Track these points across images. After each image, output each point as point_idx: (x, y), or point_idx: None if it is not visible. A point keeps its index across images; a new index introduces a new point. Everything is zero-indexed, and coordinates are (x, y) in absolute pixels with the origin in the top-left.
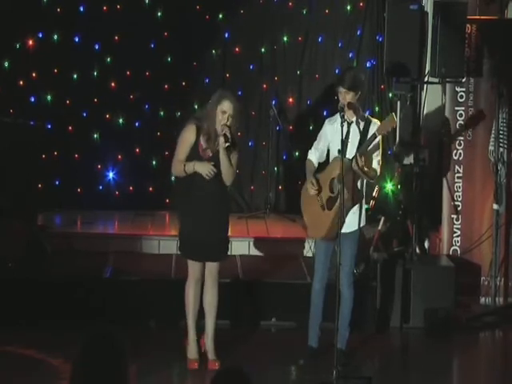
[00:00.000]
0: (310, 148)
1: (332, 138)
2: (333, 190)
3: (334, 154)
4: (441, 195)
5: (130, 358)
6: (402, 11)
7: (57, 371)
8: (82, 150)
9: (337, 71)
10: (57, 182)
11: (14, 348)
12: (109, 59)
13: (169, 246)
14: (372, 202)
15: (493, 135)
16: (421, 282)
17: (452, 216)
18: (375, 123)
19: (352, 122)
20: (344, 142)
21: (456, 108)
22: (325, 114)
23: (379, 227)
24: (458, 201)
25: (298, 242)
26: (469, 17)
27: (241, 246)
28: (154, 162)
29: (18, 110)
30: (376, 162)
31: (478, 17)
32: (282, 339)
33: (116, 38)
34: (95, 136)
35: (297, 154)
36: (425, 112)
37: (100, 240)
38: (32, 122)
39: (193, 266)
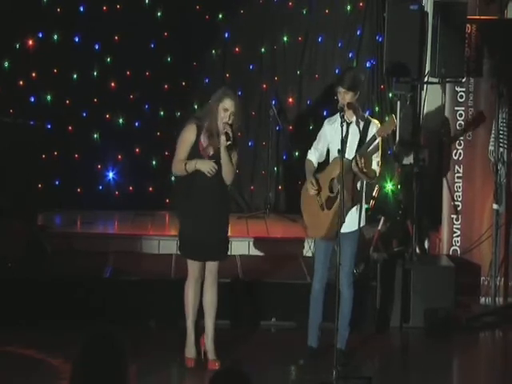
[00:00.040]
0: (310, 148)
1: (331, 138)
2: (332, 190)
3: (333, 153)
4: (441, 195)
5: (130, 358)
6: (402, 11)
7: (57, 371)
8: (81, 150)
9: (337, 71)
10: (57, 182)
11: (14, 348)
12: (109, 59)
13: (169, 245)
14: (372, 202)
15: (493, 135)
16: (421, 282)
17: (452, 216)
18: (374, 123)
19: (351, 122)
20: (343, 142)
21: (456, 108)
22: (325, 114)
23: (379, 227)
24: (457, 201)
25: (298, 241)
26: (469, 17)
27: (241, 246)
28: (153, 162)
29: (18, 110)
30: (375, 162)
31: (477, 17)
32: (281, 339)
33: (116, 38)
34: (95, 136)
35: (297, 154)
36: (425, 112)
37: (100, 240)
38: (32, 122)
39: (192, 266)
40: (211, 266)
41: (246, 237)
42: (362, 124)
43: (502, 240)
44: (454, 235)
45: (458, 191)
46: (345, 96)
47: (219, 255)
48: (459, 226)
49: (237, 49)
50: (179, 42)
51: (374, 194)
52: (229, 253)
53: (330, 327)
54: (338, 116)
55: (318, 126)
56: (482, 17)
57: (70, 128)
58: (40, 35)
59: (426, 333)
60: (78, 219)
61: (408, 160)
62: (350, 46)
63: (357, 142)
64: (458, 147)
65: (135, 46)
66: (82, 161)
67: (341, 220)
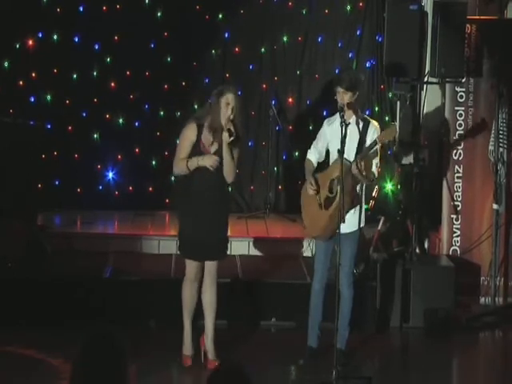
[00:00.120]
0: (310, 148)
1: (331, 138)
2: (332, 191)
3: (333, 153)
4: (441, 195)
5: (130, 358)
6: (402, 11)
7: (57, 371)
8: (81, 150)
9: (337, 71)
10: (57, 182)
11: (14, 348)
12: (109, 59)
13: (169, 245)
14: (372, 202)
15: (493, 135)
16: (421, 282)
17: (452, 216)
18: (373, 125)
19: (349, 123)
20: (343, 143)
21: (456, 108)
22: (324, 114)
23: (379, 227)
24: (457, 201)
25: (298, 241)
26: (468, 17)
27: (240, 246)
28: (153, 162)
29: (18, 110)
30: (374, 164)
31: (477, 17)
32: (281, 339)
33: (116, 37)
34: (95, 136)
35: (296, 154)
36: (424, 112)
37: (100, 240)
38: (32, 122)
39: (190, 266)
40: (210, 266)
41: (246, 237)
42: (361, 124)
43: (501, 240)
44: (454, 235)
45: (457, 191)
46: (343, 96)
47: (218, 255)
48: (459, 226)
49: (237, 49)
50: (179, 42)
51: (373, 194)
52: (228, 253)
53: (330, 327)
54: (337, 116)
55: (318, 126)
56: (481, 17)
57: (69, 128)
58: (40, 35)
59: (426, 333)
60: (78, 219)
61: (408, 160)
62: (349, 46)
63: (356, 143)
64: (458, 147)
65: (135, 46)
66: (81, 161)
67: (340, 220)
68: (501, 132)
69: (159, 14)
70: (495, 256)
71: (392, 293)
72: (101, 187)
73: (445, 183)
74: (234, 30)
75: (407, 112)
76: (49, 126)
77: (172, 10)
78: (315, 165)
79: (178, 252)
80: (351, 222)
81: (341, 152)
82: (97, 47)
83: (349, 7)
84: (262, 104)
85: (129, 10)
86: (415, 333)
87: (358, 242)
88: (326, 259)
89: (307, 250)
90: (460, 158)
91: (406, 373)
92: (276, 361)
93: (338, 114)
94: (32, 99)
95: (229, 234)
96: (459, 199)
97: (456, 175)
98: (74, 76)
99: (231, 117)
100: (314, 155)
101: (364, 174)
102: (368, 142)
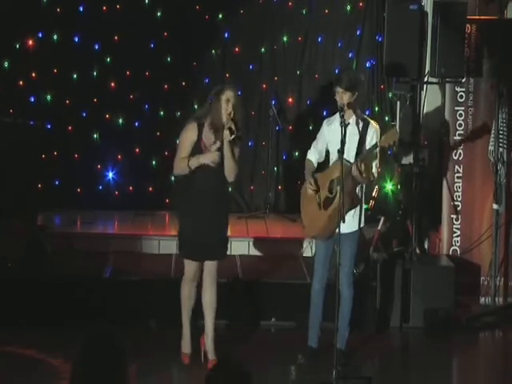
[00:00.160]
0: (310, 148)
1: (330, 138)
2: (331, 191)
3: (332, 154)
4: (441, 195)
5: (130, 358)
6: (402, 11)
7: (57, 371)
8: (81, 150)
9: (337, 71)
10: (57, 182)
11: (14, 348)
12: (109, 59)
13: (169, 245)
14: (372, 202)
15: (493, 135)
16: (421, 282)
17: (452, 216)
18: (373, 125)
19: (349, 123)
20: (343, 143)
21: (456, 108)
22: (324, 114)
23: (379, 227)
24: (457, 201)
25: (298, 242)
26: (468, 17)
27: (240, 246)
28: (153, 162)
29: (18, 110)
30: (374, 165)
31: (477, 17)
32: (281, 339)
33: (116, 38)
34: (95, 136)
35: (296, 154)
36: (424, 112)
37: (100, 240)
38: (32, 122)
39: (189, 266)
40: (210, 266)
41: (246, 237)
42: (361, 124)
43: (501, 240)
44: (454, 235)
45: (457, 191)
46: (343, 96)
47: (218, 255)
48: (459, 226)
49: (237, 49)
50: (179, 42)
51: (373, 194)
52: (228, 253)
53: (330, 327)
54: (336, 116)
55: (318, 126)
56: (481, 17)
57: (69, 128)
58: (40, 35)
59: (426, 333)
60: (78, 219)
61: (408, 160)
62: (349, 45)
63: (356, 143)
64: (458, 147)
65: (135, 46)
66: (81, 161)
67: (339, 220)
68: (501, 132)
69: (159, 14)
70: (495, 256)
71: (392, 293)
72: (101, 187)
73: (445, 183)
74: (234, 30)
75: (407, 112)
76: (49, 126)
77: (172, 10)
78: (315, 165)
79: (178, 252)
80: (351, 223)
81: (341, 152)
82: (97, 47)
83: (349, 7)
84: (262, 104)
85: (129, 9)
86: (415, 333)
87: (358, 242)
88: (325, 259)
89: (307, 249)
90: (460, 158)
91: (405, 373)
92: (276, 361)
93: (337, 114)
94: (32, 99)
95: (229, 234)
96: (459, 199)
97: (456, 175)
98: (74, 76)
99: (232, 114)
100: (314, 155)
101: (364, 176)
102: (367, 142)
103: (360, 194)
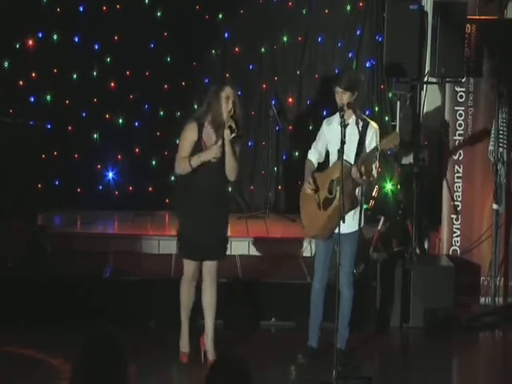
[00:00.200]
0: (310, 148)
1: (330, 138)
2: (331, 192)
3: (332, 153)
4: (441, 195)
5: (130, 358)
6: (402, 11)
7: (57, 371)
8: (81, 150)
9: (337, 71)
10: (57, 182)
11: (14, 348)
12: (109, 59)
13: (169, 246)
14: (372, 202)
15: (493, 135)
16: (421, 282)
17: (452, 216)
18: (373, 126)
19: (349, 123)
20: (343, 142)
21: (456, 108)
22: (324, 113)
23: (379, 227)
24: (457, 201)
25: (298, 241)
26: (468, 17)
27: (240, 246)
28: (153, 162)
29: (18, 110)
30: (374, 167)
31: (477, 17)
32: (281, 339)
33: (116, 38)
34: (95, 136)
35: (296, 154)
36: (424, 112)
37: (100, 240)
38: (32, 122)
39: (189, 266)
40: (210, 266)
41: (246, 237)
42: (360, 124)
43: (501, 240)
44: (454, 235)
45: (457, 191)
46: (342, 96)
47: (218, 255)
48: (459, 226)
49: (237, 49)
50: (179, 42)
51: (373, 194)
52: (228, 253)
53: (330, 327)
54: (336, 116)
55: (318, 126)
56: (481, 17)
57: (69, 128)
58: (40, 35)
59: (426, 333)
60: (78, 219)
61: (408, 160)
62: (349, 46)
63: (356, 143)
64: (458, 147)
65: (135, 46)
66: (81, 161)
67: (339, 220)
68: (501, 132)
69: (159, 14)
70: (495, 256)
71: (392, 293)
72: (101, 187)
73: (445, 183)
74: (234, 30)
75: (407, 112)
76: (49, 126)
77: (172, 10)
78: (315, 165)
79: (177, 252)
80: (351, 223)
81: (341, 152)
82: (97, 47)
83: (349, 7)
84: (262, 104)
85: (129, 9)
86: (415, 333)
87: (358, 242)
88: (325, 259)
89: (307, 249)
90: (460, 158)
91: (405, 373)
92: (276, 361)
93: (337, 114)
94: (32, 99)
95: (229, 234)
96: (459, 199)
97: (456, 175)
98: (74, 76)
99: (232, 111)
100: (314, 156)
101: (364, 178)
102: (367, 142)
103: (360, 196)
